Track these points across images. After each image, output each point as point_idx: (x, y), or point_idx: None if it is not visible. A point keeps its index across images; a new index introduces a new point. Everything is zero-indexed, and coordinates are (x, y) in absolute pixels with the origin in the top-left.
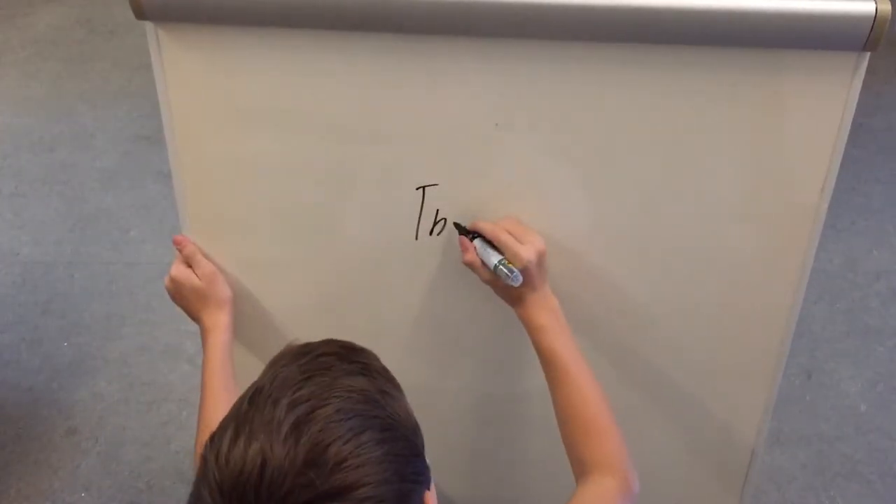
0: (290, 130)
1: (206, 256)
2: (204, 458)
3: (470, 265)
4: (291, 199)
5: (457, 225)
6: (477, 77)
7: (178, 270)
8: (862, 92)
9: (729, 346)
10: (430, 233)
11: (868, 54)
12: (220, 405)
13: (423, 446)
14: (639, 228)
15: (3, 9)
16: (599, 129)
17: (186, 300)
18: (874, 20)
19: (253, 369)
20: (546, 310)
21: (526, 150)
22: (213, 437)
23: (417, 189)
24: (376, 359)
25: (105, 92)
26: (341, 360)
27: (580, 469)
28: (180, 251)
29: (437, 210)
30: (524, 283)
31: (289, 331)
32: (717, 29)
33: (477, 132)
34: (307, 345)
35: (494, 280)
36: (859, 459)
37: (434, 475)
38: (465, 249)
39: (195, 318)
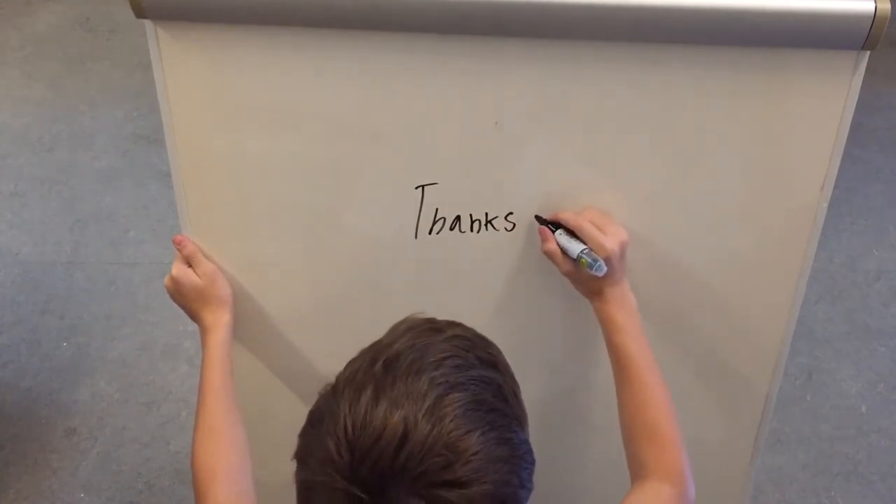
0: (291, 129)
1: (206, 256)
2: (329, 410)
3: (550, 254)
4: (291, 199)
5: (538, 217)
6: (476, 75)
7: (179, 270)
8: (862, 91)
9: (729, 346)
10: (430, 232)
11: (868, 53)
12: (218, 404)
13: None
14: (638, 227)
15: (2, 8)
16: (598, 128)
17: (187, 300)
18: (874, 19)
19: (253, 369)
20: (625, 308)
21: (525, 148)
22: (341, 391)
23: (417, 188)
24: (503, 355)
25: (105, 92)
26: (476, 347)
27: (638, 470)
28: (180, 251)
29: (437, 209)
30: (605, 277)
31: (289, 331)
32: (716, 28)
33: (476, 131)
34: (434, 320)
35: (574, 271)
36: (860, 460)
37: None
38: (545, 238)
39: (195, 317)
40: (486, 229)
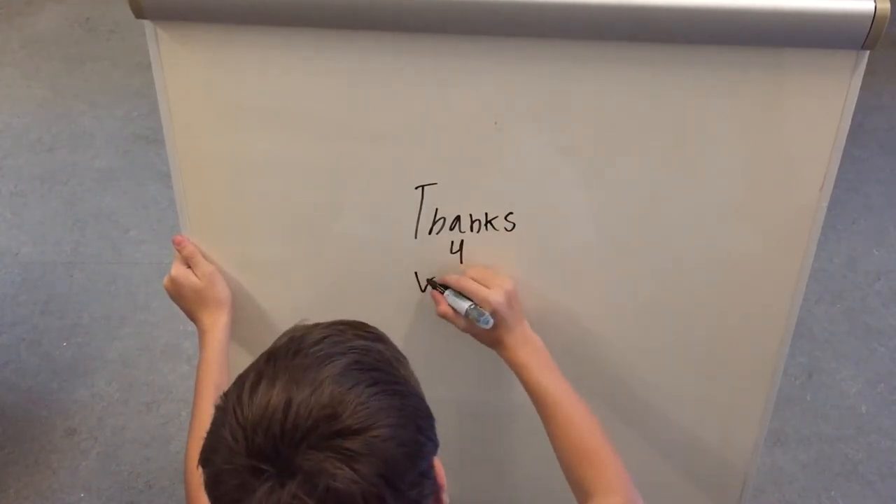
0: (290, 129)
1: (205, 256)
2: (220, 408)
3: (444, 316)
4: (291, 199)
5: (429, 281)
6: (476, 76)
7: (178, 270)
8: (862, 91)
9: (729, 346)
10: (430, 232)
11: (867, 53)
12: (213, 406)
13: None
14: (638, 228)
15: (2, 8)
16: (598, 128)
17: (185, 300)
18: (873, 18)
19: None
20: (526, 348)
21: (525, 149)
22: (227, 392)
23: (417, 188)
24: (387, 337)
25: (104, 92)
26: (356, 328)
27: (582, 494)
28: (180, 251)
29: (437, 209)
30: (499, 326)
31: None
32: (715, 27)
33: (476, 131)
34: (316, 323)
35: (471, 327)
36: (860, 460)
37: None
38: (437, 301)
39: (194, 318)
40: (486, 229)
